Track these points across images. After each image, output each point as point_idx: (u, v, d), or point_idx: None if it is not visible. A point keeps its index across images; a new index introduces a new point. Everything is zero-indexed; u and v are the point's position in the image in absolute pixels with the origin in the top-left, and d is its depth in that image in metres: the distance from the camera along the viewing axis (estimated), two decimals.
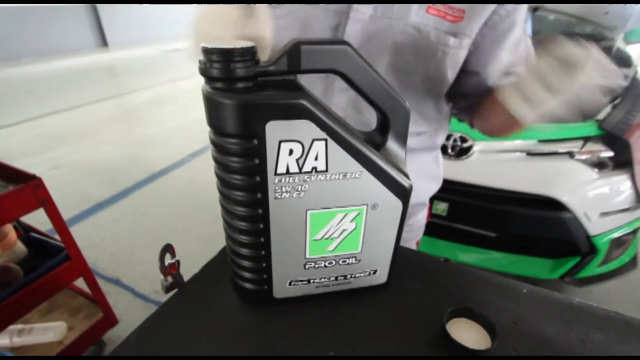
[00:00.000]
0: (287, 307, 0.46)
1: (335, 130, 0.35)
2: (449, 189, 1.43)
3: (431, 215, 1.49)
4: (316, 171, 0.36)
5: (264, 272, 0.42)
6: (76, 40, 7.92)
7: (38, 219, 1.16)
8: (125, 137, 3.54)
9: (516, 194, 1.36)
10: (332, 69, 0.34)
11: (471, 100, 0.62)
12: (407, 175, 0.41)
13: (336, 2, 0.52)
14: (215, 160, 0.36)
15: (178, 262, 0.47)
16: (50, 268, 1.09)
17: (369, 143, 0.38)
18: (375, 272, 0.47)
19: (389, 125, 0.39)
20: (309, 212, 0.39)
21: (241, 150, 0.33)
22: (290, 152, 0.34)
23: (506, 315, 0.45)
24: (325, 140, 0.35)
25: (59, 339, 1.24)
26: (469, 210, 1.44)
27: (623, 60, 1.84)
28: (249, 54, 0.31)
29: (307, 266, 0.44)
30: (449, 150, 1.41)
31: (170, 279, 0.47)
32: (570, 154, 1.34)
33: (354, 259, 0.45)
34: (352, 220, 0.41)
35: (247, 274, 0.43)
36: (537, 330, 0.44)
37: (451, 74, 0.56)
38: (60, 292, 1.26)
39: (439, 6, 0.51)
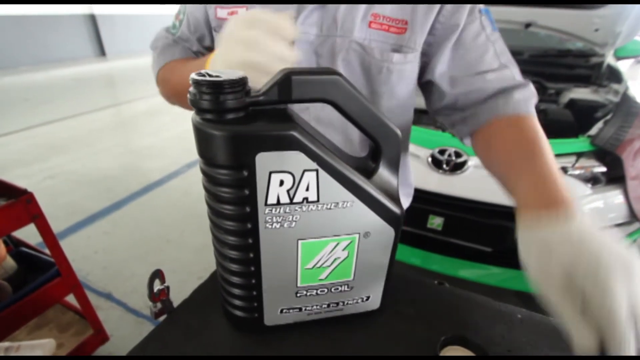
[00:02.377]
0: (279, 334, 0.45)
1: (326, 161, 0.35)
2: (444, 204, 1.43)
3: (426, 229, 1.49)
4: (307, 201, 0.36)
5: (255, 300, 0.41)
6: (74, 49, 7.95)
7: (29, 231, 1.14)
8: (121, 147, 3.52)
9: (511, 208, 1.35)
10: (324, 98, 0.34)
11: (460, 114, 0.57)
12: (399, 202, 0.41)
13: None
14: (206, 189, 0.36)
15: (167, 288, 0.46)
16: (40, 284, 1.07)
17: (361, 170, 0.38)
18: (368, 298, 0.47)
19: (381, 151, 0.39)
20: (300, 241, 0.39)
21: (231, 181, 0.33)
22: (281, 182, 0.34)
23: (500, 343, 0.45)
24: (316, 170, 0.35)
25: None
26: (464, 225, 1.44)
27: (614, 76, 1.87)
28: (240, 85, 0.31)
29: (298, 294, 0.43)
30: (444, 165, 1.41)
31: (159, 304, 0.46)
32: (564, 169, 1.35)
33: (346, 286, 0.44)
34: (344, 249, 0.41)
35: (237, 302, 0.42)
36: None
37: (403, 90, 0.56)
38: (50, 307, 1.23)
39: (381, 19, 0.50)
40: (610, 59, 1.96)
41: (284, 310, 0.44)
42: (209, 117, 0.32)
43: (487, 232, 1.42)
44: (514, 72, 0.54)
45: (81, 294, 1.21)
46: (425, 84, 0.59)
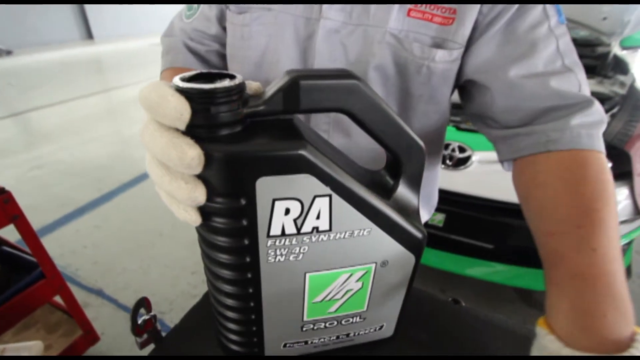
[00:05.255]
0: None
1: (340, 184, 0.29)
2: (446, 200, 1.39)
3: (427, 225, 1.45)
4: (317, 231, 0.30)
5: (254, 335, 0.36)
6: (60, 32, 7.65)
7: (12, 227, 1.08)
8: (111, 136, 3.41)
9: (515, 205, 1.32)
10: (339, 107, 0.28)
11: (500, 130, 0.45)
12: (420, 223, 0.36)
13: (303, 2, 0.44)
14: None
15: (154, 317, 0.41)
16: (23, 287, 1.01)
17: (378, 188, 0.32)
18: (381, 327, 0.42)
19: (402, 167, 0.34)
20: (307, 274, 0.33)
21: (226, 210, 0.27)
22: (287, 211, 0.28)
23: None
24: (330, 196, 0.29)
25: None
26: (466, 222, 1.40)
27: (619, 67, 1.82)
28: (237, 93, 0.25)
29: (304, 328, 0.38)
30: (447, 160, 1.36)
31: (145, 335, 0.40)
32: None
33: (358, 317, 0.39)
34: (357, 280, 0.36)
35: (234, 337, 0.37)
36: None
37: (445, 93, 0.48)
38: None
39: (423, 7, 0.41)
40: (616, 49, 1.90)
41: (288, 345, 0.39)
42: (197, 133, 0.25)
43: (489, 229, 1.38)
44: (580, 80, 0.41)
45: (68, 295, 1.16)
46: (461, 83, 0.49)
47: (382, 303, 0.39)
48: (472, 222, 1.39)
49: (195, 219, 0.27)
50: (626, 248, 1.44)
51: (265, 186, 0.26)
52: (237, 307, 0.33)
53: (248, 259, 0.30)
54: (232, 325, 0.36)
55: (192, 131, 0.25)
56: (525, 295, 1.72)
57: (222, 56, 0.60)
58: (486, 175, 1.34)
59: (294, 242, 0.30)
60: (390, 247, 0.34)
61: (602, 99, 1.64)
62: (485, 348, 0.44)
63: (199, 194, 0.25)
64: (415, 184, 0.35)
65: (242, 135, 0.26)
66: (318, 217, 0.29)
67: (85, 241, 2.01)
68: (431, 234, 1.47)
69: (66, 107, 4.19)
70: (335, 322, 0.39)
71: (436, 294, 0.51)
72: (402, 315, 0.42)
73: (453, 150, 1.36)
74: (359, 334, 0.41)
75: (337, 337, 0.41)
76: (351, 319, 0.39)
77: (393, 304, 0.40)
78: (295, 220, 0.29)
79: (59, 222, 2.17)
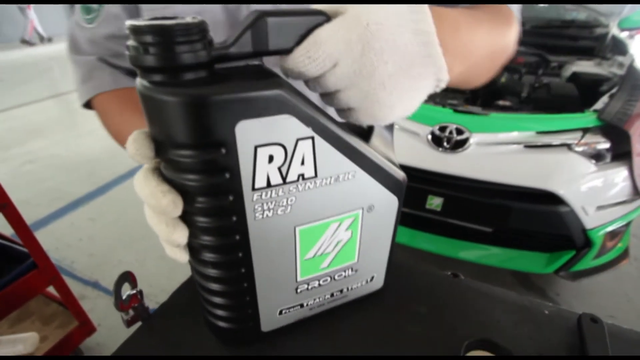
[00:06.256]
0: (276, 339, 0.39)
1: (321, 124, 0.27)
2: (444, 184, 1.37)
3: (425, 210, 1.43)
4: (303, 179, 0.29)
5: (248, 307, 0.34)
6: (51, 26, 7.53)
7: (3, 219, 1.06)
8: (104, 129, 3.36)
9: (513, 187, 1.31)
10: None
11: None
12: (397, 165, 0.35)
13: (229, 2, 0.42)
14: (168, 179, 0.27)
15: (140, 292, 0.39)
16: (14, 278, 0.99)
17: (356, 134, 0.31)
18: (372, 278, 0.41)
19: None
20: (297, 228, 0.31)
21: (204, 165, 0.25)
22: (270, 159, 0.26)
23: (529, 346, 0.39)
24: (312, 138, 0.27)
25: (30, 352, 1.15)
26: (464, 205, 1.39)
27: (618, 48, 1.80)
28: (198, 32, 0.22)
29: (299, 290, 0.36)
30: (444, 143, 1.34)
31: (131, 312, 0.39)
32: (569, 146, 1.29)
33: (350, 270, 0.39)
34: (347, 229, 0.34)
35: (226, 313, 0.35)
36: None
37: None
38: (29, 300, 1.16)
39: None
40: (614, 30, 1.88)
41: (284, 311, 0.37)
42: (159, 79, 0.23)
43: (488, 212, 1.37)
44: None
45: (62, 285, 1.14)
46: None
47: (371, 252, 0.38)
48: (470, 206, 1.37)
49: (181, 257, 0.30)
50: (624, 230, 1.44)
51: (245, 132, 0.24)
52: (227, 277, 0.31)
53: (234, 219, 0.28)
54: (222, 300, 0.34)
55: (151, 77, 0.23)
56: (524, 280, 1.72)
57: None
58: (484, 157, 1.32)
59: (280, 193, 0.28)
60: (374, 190, 0.33)
61: (601, 80, 1.62)
62: (485, 319, 0.42)
63: (178, 237, 0.28)
64: (389, 129, 0.34)
65: (212, 79, 0.24)
66: (303, 163, 0.28)
67: (81, 234, 1.99)
68: (429, 218, 1.46)
69: (58, 101, 4.13)
70: (329, 279, 0.38)
71: (435, 269, 0.50)
72: (390, 265, 0.41)
73: (450, 132, 1.34)
74: (351, 288, 0.41)
75: (332, 295, 0.40)
76: (344, 273, 0.38)
77: (381, 252, 0.40)
78: (280, 169, 0.27)
79: (53, 215, 2.15)
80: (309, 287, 0.37)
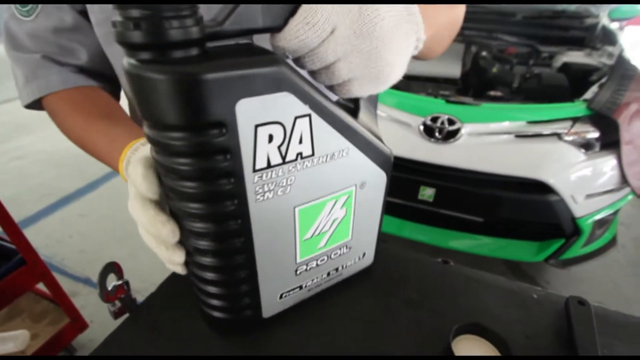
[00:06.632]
0: (274, 325, 0.39)
1: (317, 102, 0.27)
2: (436, 174, 1.38)
3: (417, 201, 1.44)
4: (302, 157, 0.29)
5: (249, 295, 0.34)
6: None
7: None
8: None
9: (504, 177, 1.32)
10: None
11: None
12: (384, 143, 0.36)
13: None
14: (160, 165, 0.26)
15: (127, 283, 0.38)
16: (2, 275, 0.97)
17: (346, 110, 0.32)
18: (364, 255, 0.43)
19: None
20: (297, 209, 0.32)
21: (202, 147, 0.24)
22: (270, 138, 0.26)
23: (518, 330, 0.40)
24: (309, 116, 0.27)
25: (20, 349, 1.13)
26: (456, 196, 1.39)
27: (607, 38, 1.81)
28: (189, 7, 0.21)
29: (298, 271, 0.37)
30: (436, 134, 1.35)
31: (117, 303, 0.38)
32: (559, 136, 1.31)
33: (345, 247, 0.39)
34: (342, 207, 0.35)
35: (225, 303, 0.34)
36: (550, 345, 0.38)
37: None
38: (19, 297, 1.15)
39: None
40: (604, 20, 1.88)
41: (284, 295, 0.37)
42: (146, 56, 0.22)
43: (479, 202, 1.38)
44: None
45: (52, 282, 1.12)
46: None
47: (363, 228, 0.39)
48: (462, 196, 1.38)
49: (181, 271, 0.32)
50: (612, 218, 1.46)
51: (246, 110, 0.24)
52: (228, 265, 0.31)
53: (235, 203, 0.27)
54: (222, 290, 0.33)
55: (139, 55, 0.22)
56: (515, 269, 1.74)
57: (101, 55, 0.47)
58: (476, 148, 1.33)
59: (280, 173, 0.28)
60: (366, 166, 0.34)
61: (591, 70, 1.63)
62: (474, 304, 0.43)
63: (176, 258, 0.30)
64: (374, 105, 0.35)
65: (205, 57, 0.23)
66: (301, 142, 0.28)
67: (71, 230, 1.96)
68: (421, 209, 1.46)
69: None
70: (326, 258, 0.38)
71: (426, 256, 0.50)
72: (378, 240, 0.43)
73: (442, 123, 1.34)
74: (346, 266, 0.41)
75: (328, 275, 0.40)
76: (339, 251, 0.39)
77: (372, 228, 0.41)
78: (279, 148, 0.27)
79: (42, 212, 2.12)
80: (308, 267, 0.37)
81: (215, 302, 0.34)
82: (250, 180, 0.27)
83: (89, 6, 0.43)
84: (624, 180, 1.32)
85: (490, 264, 1.72)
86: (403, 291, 0.44)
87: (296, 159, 0.28)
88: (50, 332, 1.20)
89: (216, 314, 0.35)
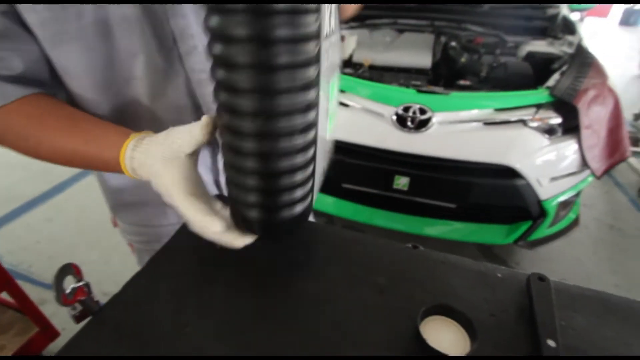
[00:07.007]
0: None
1: None
2: (410, 163, 1.40)
3: (392, 190, 1.46)
4: (328, 35, 0.31)
5: (312, 188, 0.37)
6: None
7: None
8: None
9: (474, 164, 1.36)
10: None
11: None
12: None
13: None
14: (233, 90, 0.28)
15: (87, 284, 0.37)
16: None
17: None
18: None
19: None
20: (330, 83, 0.35)
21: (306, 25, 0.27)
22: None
23: (484, 308, 0.41)
24: None
25: None
26: (429, 184, 1.43)
27: (568, 28, 1.89)
28: None
29: (327, 150, 0.41)
30: (409, 123, 1.37)
31: (78, 306, 0.36)
32: (524, 122, 1.36)
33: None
34: (330, 98, 0.39)
35: (295, 202, 0.35)
36: (513, 321, 0.40)
37: None
38: None
39: None
40: (565, 10, 1.96)
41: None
42: None
43: (451, 189, 1.42)
44: None
45: (17, 291, 1.07)
46: None
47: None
48: (435, 184, 1.42)
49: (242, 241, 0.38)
50: (574, 199, 1.54)
51: None
52: (303, 163, 0.32)
53: (315, 74, 0.29)
54: (296, 192, 0.34)
55: None
56: (487, 252, 1.81)
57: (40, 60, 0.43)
58: (447, 136, 1.36)
59: (326, 44, 0.31)
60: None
61: (553, 58, 1.70)
62: (442, 286, 0.44)
63: (230, 237, 0.37)
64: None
65: None
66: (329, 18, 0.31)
67: (38, 236, 1.87)
68: (396, 198, 1.49)
69: None
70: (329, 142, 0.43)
71: (396, 242, 0.51)
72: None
73: (414, 112, 1.36)
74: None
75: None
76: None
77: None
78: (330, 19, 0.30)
79: (6, 217, 2.00)
80: (328, 145, 0.41)
81: (289, 204, 0.35)
82: (325, 48, 0.30)
83: (27, 6, 0.37)
84: (584, 163, 1.39)
85: (462, 248, 1.78)
86: (371, 276, 0.45)
87: (332, 33, 0.32)
88: (18, 342, 1.15)
89: (289, 214, 0.35)
